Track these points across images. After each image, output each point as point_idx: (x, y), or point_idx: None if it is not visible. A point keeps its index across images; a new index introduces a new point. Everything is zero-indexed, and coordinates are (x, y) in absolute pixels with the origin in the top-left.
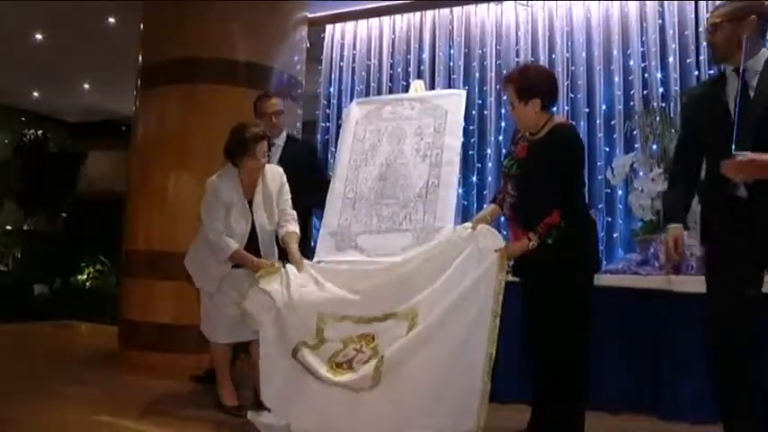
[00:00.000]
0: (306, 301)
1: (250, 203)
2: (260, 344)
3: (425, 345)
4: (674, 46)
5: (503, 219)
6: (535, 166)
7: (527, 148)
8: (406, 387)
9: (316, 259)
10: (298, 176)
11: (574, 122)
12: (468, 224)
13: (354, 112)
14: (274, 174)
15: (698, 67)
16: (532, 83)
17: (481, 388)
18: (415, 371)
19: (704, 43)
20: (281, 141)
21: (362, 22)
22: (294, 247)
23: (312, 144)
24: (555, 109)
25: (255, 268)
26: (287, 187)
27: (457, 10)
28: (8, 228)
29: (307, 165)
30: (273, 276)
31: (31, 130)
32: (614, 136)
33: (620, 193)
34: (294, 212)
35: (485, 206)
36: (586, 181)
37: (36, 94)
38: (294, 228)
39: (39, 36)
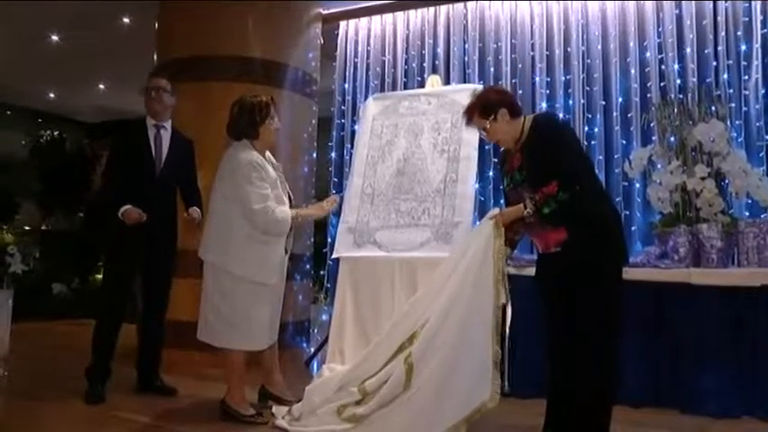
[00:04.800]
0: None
1: None
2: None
3: (441, 327)
4: (691, 36)
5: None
6: (534, 164)
7: (519, 156)
8: (426, 371)
9: (334, 255)
10: (184, 170)
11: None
12: None
13: (371, 107)
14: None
15: (716, 58)
16: (491, 97)
17: (492, 354)
18: (430, 355)
19: (722, 33)
20: (169, 126)
21: (376, 18)
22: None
23: (192, 141)
24: (571, 102)
25: (321, 211)
26: None
27: (471, 4)
28: (27, 228)
29: (189, 161)
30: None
31: (48, 131)
32: (631, 128)
33: (637, 185)
34: None
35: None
36: (595, 167)
37: (52, 95)
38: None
39: (54, 37)
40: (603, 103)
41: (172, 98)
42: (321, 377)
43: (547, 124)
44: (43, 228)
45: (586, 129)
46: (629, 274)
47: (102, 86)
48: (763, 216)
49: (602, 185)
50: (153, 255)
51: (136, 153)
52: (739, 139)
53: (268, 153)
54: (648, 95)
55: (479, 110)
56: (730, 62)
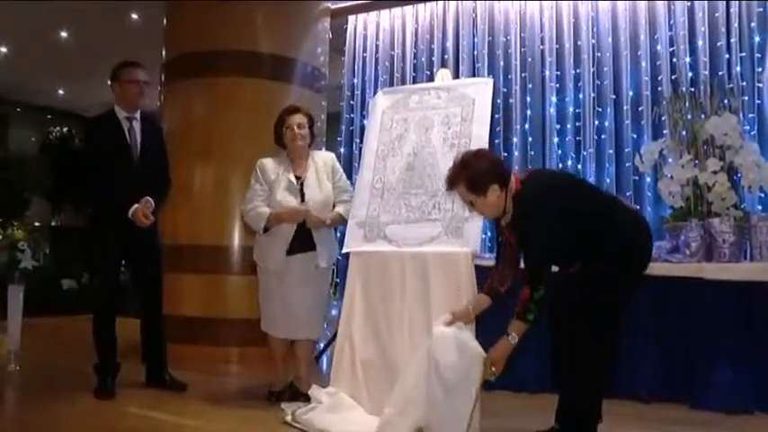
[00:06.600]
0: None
1: (298, 179)
2: None
3: None
4: (703, 29)
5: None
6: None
7: (510, 233)
8: None
9: (344, 250)
10: (157, 158)
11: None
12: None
13: (381, 101)
14: (325, 156)
15: (728, 51)
16: (480, 170)
17: None
18: None
19: (735, 24)
20: (138, 116)
21: (385, 13)
22: (328, 222)
23: (162, 128)
24: (581, 96)
25: (292, 217)
26: (338, 166)
27: None
28: (37, 224)
29: (161, 149)
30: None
31: (57, 128)
32: (642, 122)
33: (648, 180)
34: (351, 191)
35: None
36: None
37: (61, 91)
38: (340, 209)
39: (63, 34)
40: (614, 96)
41: None
42: (328, 389)
43: (522, 212)
44: (53, 224)
45: (596, 122)
46: None
47: (110, 82)
48: None
49: (610, 208)
50: (137, 249)
51: (112, 146)
52: (752, 132)
53: (317, 155)
54: (660, 89)
55: (467, 184)
56: (743, 54)
